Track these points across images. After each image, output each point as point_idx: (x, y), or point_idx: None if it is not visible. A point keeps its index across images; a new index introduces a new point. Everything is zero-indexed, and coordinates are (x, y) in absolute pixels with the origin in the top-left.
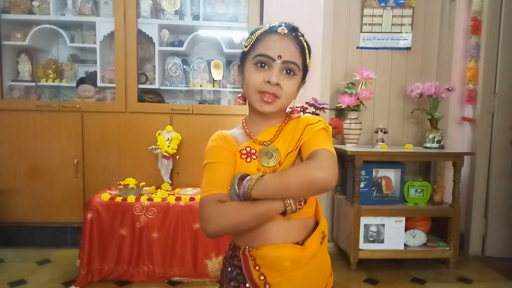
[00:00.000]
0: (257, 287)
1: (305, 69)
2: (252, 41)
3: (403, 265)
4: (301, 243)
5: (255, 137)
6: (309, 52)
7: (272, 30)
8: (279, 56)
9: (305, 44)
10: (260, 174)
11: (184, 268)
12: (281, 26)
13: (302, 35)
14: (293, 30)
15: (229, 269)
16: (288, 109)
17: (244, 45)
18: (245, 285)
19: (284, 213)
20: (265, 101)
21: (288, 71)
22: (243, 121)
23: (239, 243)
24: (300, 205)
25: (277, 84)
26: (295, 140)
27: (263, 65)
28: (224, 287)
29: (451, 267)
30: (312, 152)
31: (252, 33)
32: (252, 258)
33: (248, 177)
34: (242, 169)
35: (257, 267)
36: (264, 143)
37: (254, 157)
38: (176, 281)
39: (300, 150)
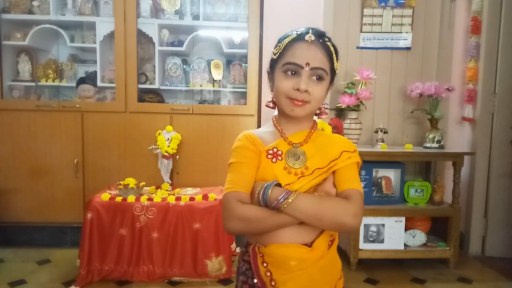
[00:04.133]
0: (263, 282)
1: (333, 72)
2: (281, 49)
3: (403, 265)
4: (310, 244)
5: (286, 136)
6: (337, 56)
7: (299, 38)
8: (307, 64)
9: (332, 48)
10: (295, 193)
11: (184, 268)
12: (308, 33)
13: (329, 39)
14: (320, 36)
15: (241, 264)
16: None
17: (273, 52)
18: (253, 280)
19: None
20: (296, 105)
21: (317, 77)
22: (274, 121)
23: (250, 240)
24: None
25: (306, 91)
26: (327, 159)
27: (292, 72)
28: (238, 283)
29: (451, 267)
30: (348, 191)
31: (280, 41)
32: (261, 254)
33: (284, 194)
34: (267, 169)
35: (264, 264)
36: (294, 144)
37: (280, 158)
38: (176, 281)
39: (332, 173)
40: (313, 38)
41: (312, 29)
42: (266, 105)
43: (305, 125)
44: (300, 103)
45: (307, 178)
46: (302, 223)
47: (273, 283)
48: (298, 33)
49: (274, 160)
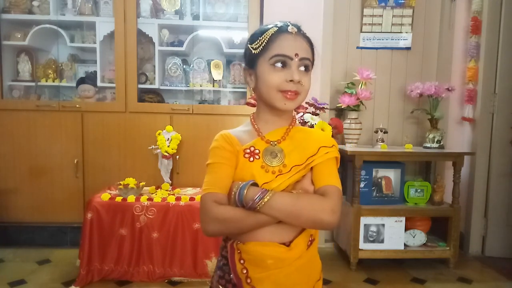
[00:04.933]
0: (239, 279)
1: (313, 63)
2: (263, 43)
3: (403, 265)
4: (288, 244)
5: (263, 135)
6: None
7: (282, 30)
8: (296, 54)
9: (311, 40)
10: (271, 192)
11: (184, 268)
12: (288, 25)
13: (305, 32)
14: (299, 28)
15: (219, 258)
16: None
17: (252, 47)
18: (229, 275)
19: None
20: (288, 98)
21: (305, 68)
22: (252, 118)
23: (230, 236)
24: None
25: (299, 82)
26: (304, 155)
27: (281, 65)
28: (214, 276)
29: (451, 267)
30: (325, 188)
31: (259, 35)
32: (239, 251)
33: (259, 193)
34: (244, 169)
35: (241, 261)
36: (271, 142)
37: (257, 157)
38: (176, 281)
39: (311, 169)
40: (296, 29)
41: (289, 22)
42: (246, 103)
43: (285, 121)
44: (292, 97)
45: (285, 176)
46: (280, 222)
47: (248, 281)
48: (279, 25)
49: (251, 159)
